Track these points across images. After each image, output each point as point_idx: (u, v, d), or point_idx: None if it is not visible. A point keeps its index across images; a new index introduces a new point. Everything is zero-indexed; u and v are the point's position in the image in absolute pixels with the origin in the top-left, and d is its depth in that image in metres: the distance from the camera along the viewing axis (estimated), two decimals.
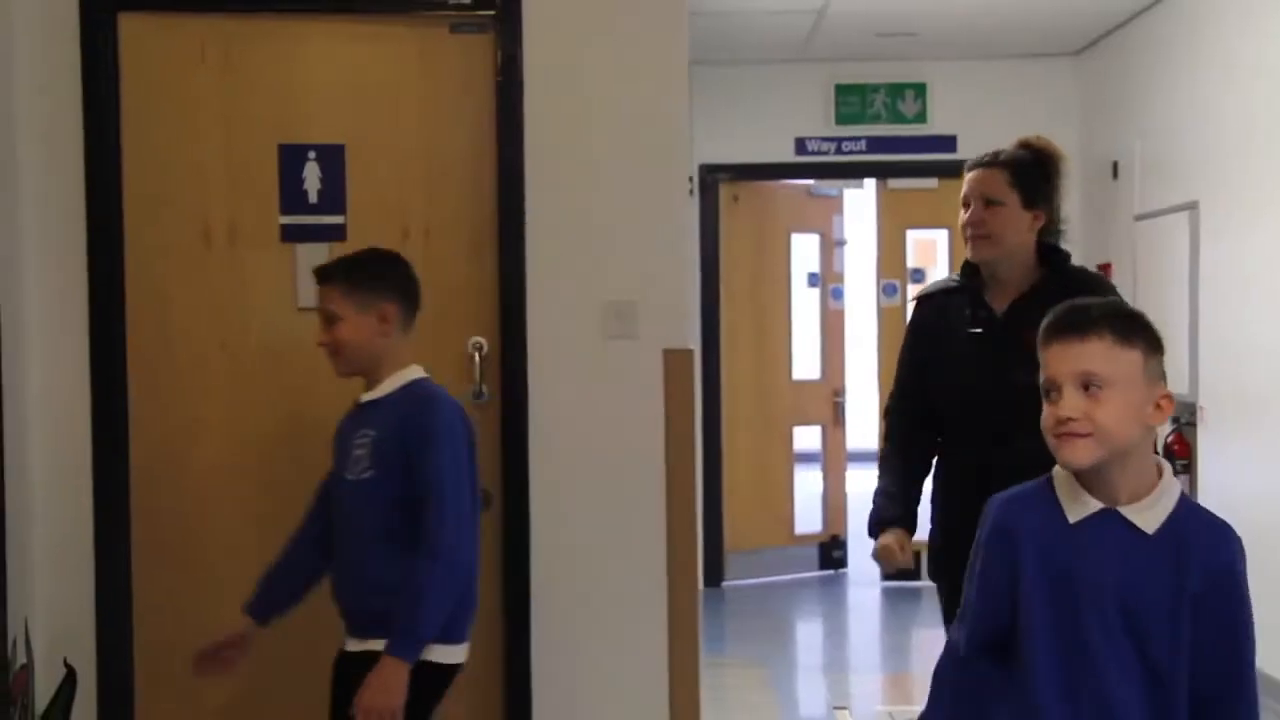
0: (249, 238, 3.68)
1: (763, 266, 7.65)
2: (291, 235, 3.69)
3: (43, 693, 3.52)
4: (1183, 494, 2.07)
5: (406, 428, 2.86)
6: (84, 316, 3.60)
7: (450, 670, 2.93)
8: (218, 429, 3.69)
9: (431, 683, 2.87)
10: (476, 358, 3.70)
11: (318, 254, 3.67)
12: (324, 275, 2.98)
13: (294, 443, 3.69)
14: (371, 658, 2.81)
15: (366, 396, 2.96)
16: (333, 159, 3.68)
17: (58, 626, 3.58)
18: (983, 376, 3.09)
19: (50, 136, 3.56)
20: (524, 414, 3.68)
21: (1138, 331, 2.03)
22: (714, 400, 7.42)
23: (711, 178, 7.28)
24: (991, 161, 3.18)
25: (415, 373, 2.97)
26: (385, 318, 2.92)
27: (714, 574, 7.32)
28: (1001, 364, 3.00)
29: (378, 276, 2.95)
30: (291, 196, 3.68)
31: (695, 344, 3.94)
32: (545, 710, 3.70)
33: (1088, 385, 1.99)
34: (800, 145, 7.37)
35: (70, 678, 3.53)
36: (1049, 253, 3.17)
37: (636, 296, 3.68)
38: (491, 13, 3.66)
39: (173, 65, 3.65)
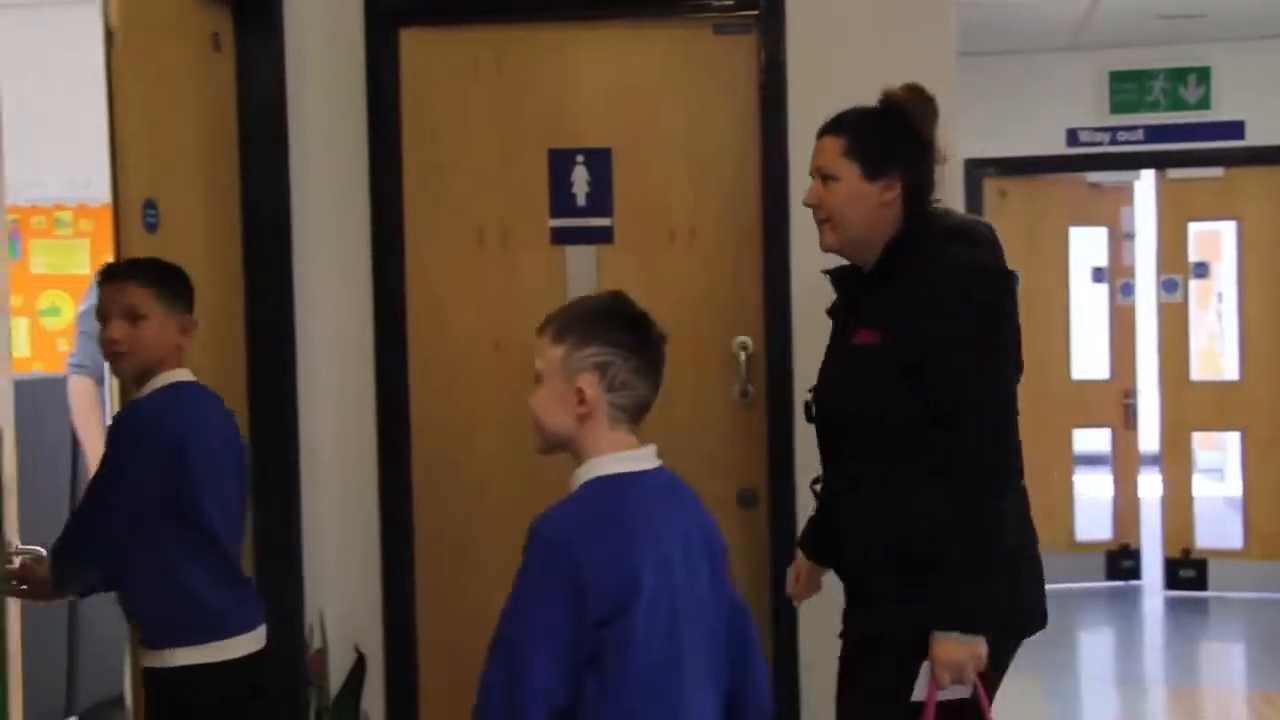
0: (520, 240, 3.79)
1: (1035, 262, 7.39)
2: (560, 238, 3.78)
3: (336, 675, 3.72)
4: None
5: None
6: (369, 320, 3.78)
7: (208, 670, 2.71)
8: (492, 426, 3.81)
9: (191, 688, 2.70)
10: (742, 357, 3.71)
11: (586, 256, 3.76)
12: (136, 271, 2.78)
13: None
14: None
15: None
16: (600, 162, 3.76)
17: (349, 615, 3.77)
18: (818, 388, 2.68)
19: (338, 145, 3.75)
20: (790, 413, 3.66)
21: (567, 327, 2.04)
22: None
23: (977, 172, 7.09)
24: (826, 128, 2.61)
25: (176, 376, 2.76)
26: (186, 329, 2.79)
27: None
28: (826, 375, 2.66)
29: (179, 282, 2.80)
30: (561, 200, 3.77)
31: None
32: (814, 706, 3.67)
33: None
34: (1072, 136, 7.10)
35: (360, 662, 3.73)
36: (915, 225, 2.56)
37: None
38: (755, 13, 3.66)
39: (449, 76, 3.79)
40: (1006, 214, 7.28)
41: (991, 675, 2.49)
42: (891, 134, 2.55)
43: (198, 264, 3.32)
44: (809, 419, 2.70)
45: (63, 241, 6.03)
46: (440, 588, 3.82)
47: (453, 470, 3.83)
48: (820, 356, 3.58)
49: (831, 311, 2.70)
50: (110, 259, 2.96)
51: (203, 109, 3.36)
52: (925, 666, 2.36)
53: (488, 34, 3.78)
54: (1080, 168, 7.39)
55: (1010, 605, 2.44)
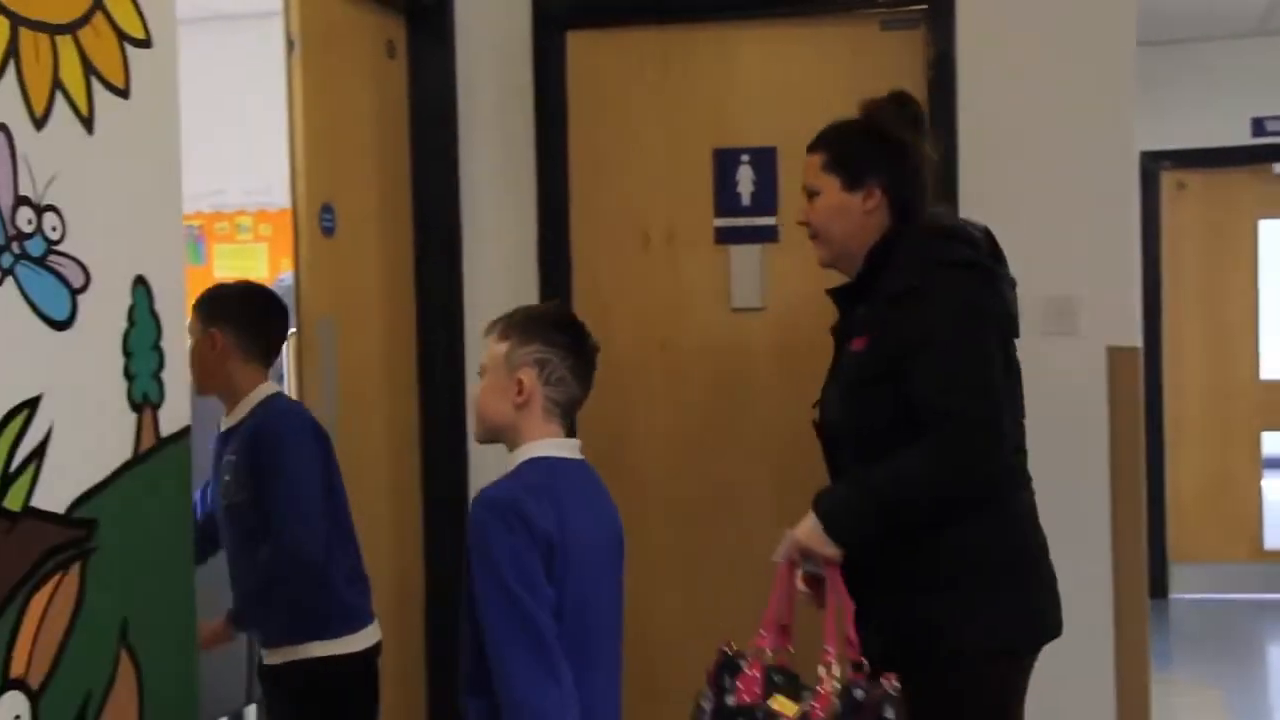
0: (685, 240, 3.80)
1: (1218, 257, 7.12)
2: (725, 237, 3.77)
3: None
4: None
5: (256, 443, 2.73)
6: None
7: (352, 660, 2.79)
8: (657, 426, 3.83)
9: (329, 678, 2.76)
10: None
11: (751, 255, 3.75)
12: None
13: (729, 439, 3.78)
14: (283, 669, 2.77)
15: (225, 424, 2.82)
16: (765, 161, 3.74)
17: None
18: (819, 401, 2.63)
19: (506, 148, 3.80)
20: None
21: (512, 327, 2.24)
22: (1156, 401, 6.98)
23: (1153, 165, 6.86)
24: (810, 145, 2.61)
25: (267, 390, 2.80)
26: (215, 343, 2.76)
27: (1157, 586, 6.88)
28: (826, 387, 2.60)
29: (212, 303, 2.82)
30: (725, 199, 3.77)
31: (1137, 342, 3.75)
32: None
33: None
34: (1258, 126, 6.81)
35: None
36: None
37: (1078, 291, 3.52)
38: (923, 7, 3.60)
39: (614, 78, 3.82)
40: (1184, 208, 7.02)
41: (1007, 690, 2.42)
42: (867, 143, 2.54)
43: (371, 266, 3.41)
44: (817, 434, 2.67)
45: (244, 246, 6.26)
46: None
47: (617, 471, 3.83)
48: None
49: (833, 330, 2.68)
50: (289, 261, 3.06)
51: (377, 114, 3.44)
52: (788, 534, 2.45)
53: (653, 35, 3.80)
54: (1268, 158, 7.07)
55: (1021, 617, 2.40)
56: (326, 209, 3.16)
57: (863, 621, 2.39)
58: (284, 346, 2.92)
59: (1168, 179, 6.99)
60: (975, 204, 3.55)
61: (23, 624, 1.79)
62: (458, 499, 3.61)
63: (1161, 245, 6.96)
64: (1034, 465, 3.52)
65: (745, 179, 3.75)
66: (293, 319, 3.04)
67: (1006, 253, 3.52)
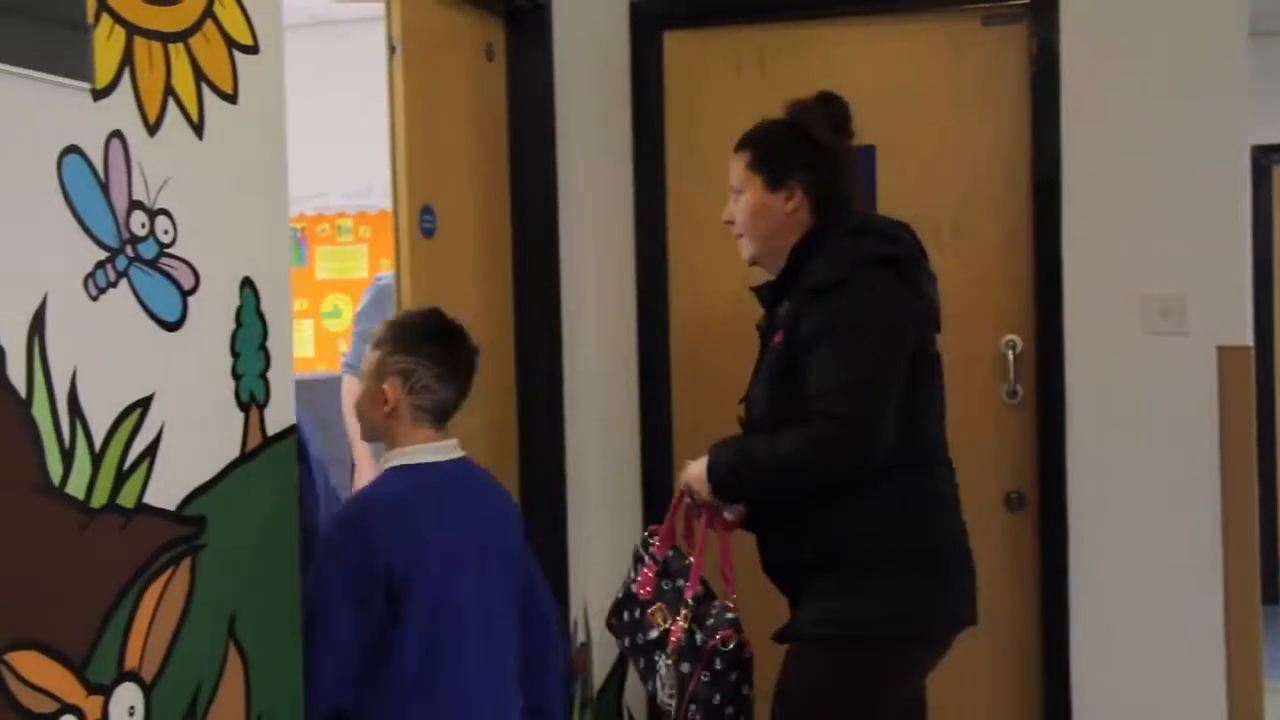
0: None
1: None
2: None
3: (600, 670, 3.79)
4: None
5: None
6: (633, 320, 3.83)
7: None
8: None
9: None
10: (1010, 356, 3.60)
11: None
12: None
13: None
14: None
15: None
16: (864, 160, 3.70)
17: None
18: (746, 399, 2.67)
19: (603, 148, 3.82)
20: (1061, 413, 3.53)
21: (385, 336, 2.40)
22: (1268, 401, 6.78)
23: (1265, 159, 6.68)
24: (737, 143, 2.66)
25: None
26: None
27: (1269, 591, 6.69)
28: (749, 385, 2.63)
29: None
30: None
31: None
32: None
33: None
34: None
35: (623, 658, 3.78)
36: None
37: (1186, 289, 3.44)
38: (1026, 1, 3.55)
39: (711, 76, 3.81)
40: None
41: (881, 675, 2.45)
42: (789, 144, 2.59)
43: (470, 267, 3.44)
44: (741, 429, 2.70)
45: (344, 248, 6.35)
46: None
47: None
48: (1098, 351, 3.48)
49: (758, 326, 2.74)
50: (388, 263, 3.09)
51: (476, 117, 3.47)
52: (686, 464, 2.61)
53: (750, 34, 3.78)
54: None
55: (915, 606, 2.41)
56: (426, 210, 3.19)
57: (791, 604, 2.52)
58: None
59: None
60: (1080, 201, 3.50)
61: (136, 618, 1.84)
62: (556, 497, 3.63)
63: (1273, 241, 6.78)
64: (1142, 466, 3.47)
65: None
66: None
67: (1108, 251, 3.48)
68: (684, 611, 2.52)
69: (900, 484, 2.41)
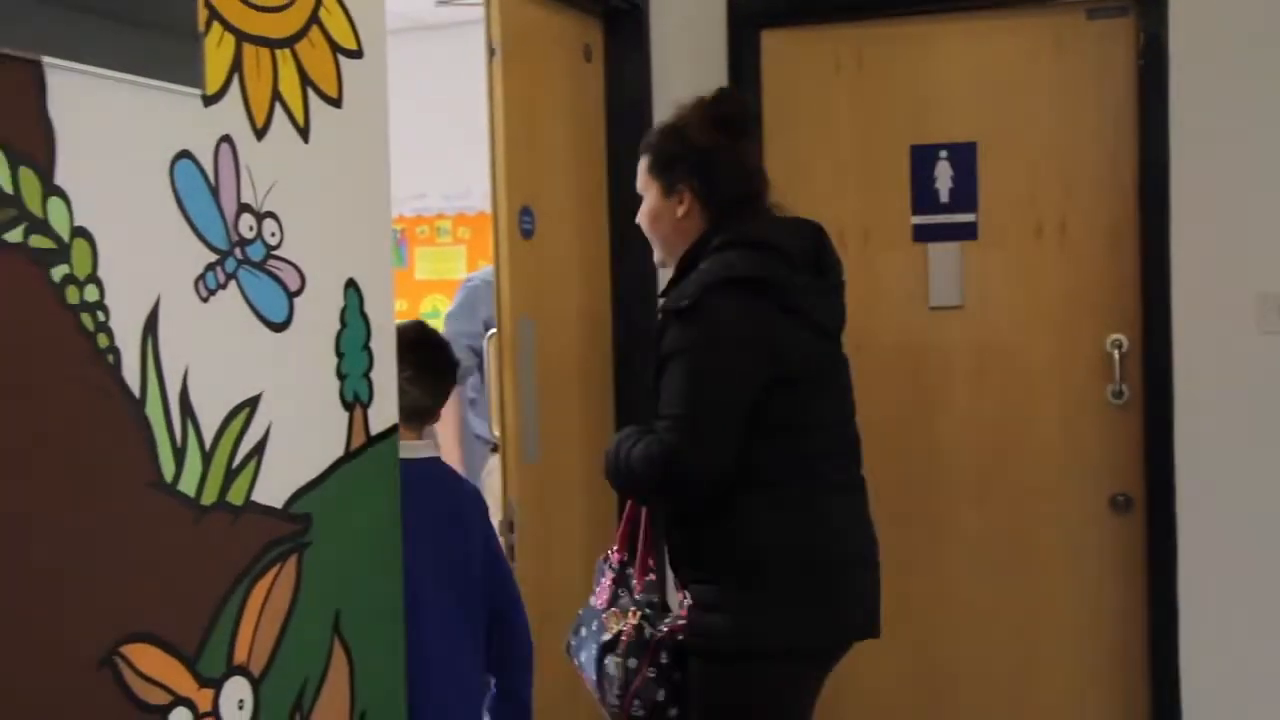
0: (881, 239, 3.75)
1: None
2: (923, 235, 3.71)
3: None
4: None
5: None
6: None
7: None
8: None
9: None
10: (1116, 356, 3.53)
11: (950, 253, 3.68)
12: None
13: (926, 440, 3.72)
14: None
15: None
16: (964, 157, 3.67)
17: None
18: None
19: None
20: (1169, 414, 3.46)
21: None
22: None
23: None
24: (641, 146, 2.59)
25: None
26: None
27: None
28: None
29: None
30: (923, 196, 3.71)
31: None
32: None
33: None
34: None
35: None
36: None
37: None
38: None
39: (809, 75, 3.79)
40: None
41: (768, 690, 2.38)
42: (675, 148, 2.51)
43: (570, 267, 3.46)
44: None
45: (443, 249, 6.42)
46: None
47: None
48: (1209, 350, 3.40)
49: None
50: (486, 264, 3.12)
51: (574, 117, 3.49)
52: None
53: (849, 32, 3.76)
54: None
55: (793, 621, 2.36)
56: (525, 211, 3.22)
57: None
58: (485, 346, 2.92)
59: None
60: (1189, 197, 3.43)
61: (245, 613, 1.87)
62: None
63: None
64: (1254, 469, 3.38)
65: (944, 175, 3.69)
66: (495, 319, 3.12)
67: (1218, 248, 3.40)
68: (633, 610, 2.49)
69: (778, 499, 2.36)
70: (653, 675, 2.43)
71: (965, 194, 3.67)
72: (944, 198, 3.69)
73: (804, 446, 2.40)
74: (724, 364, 2.33)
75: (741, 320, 2.34)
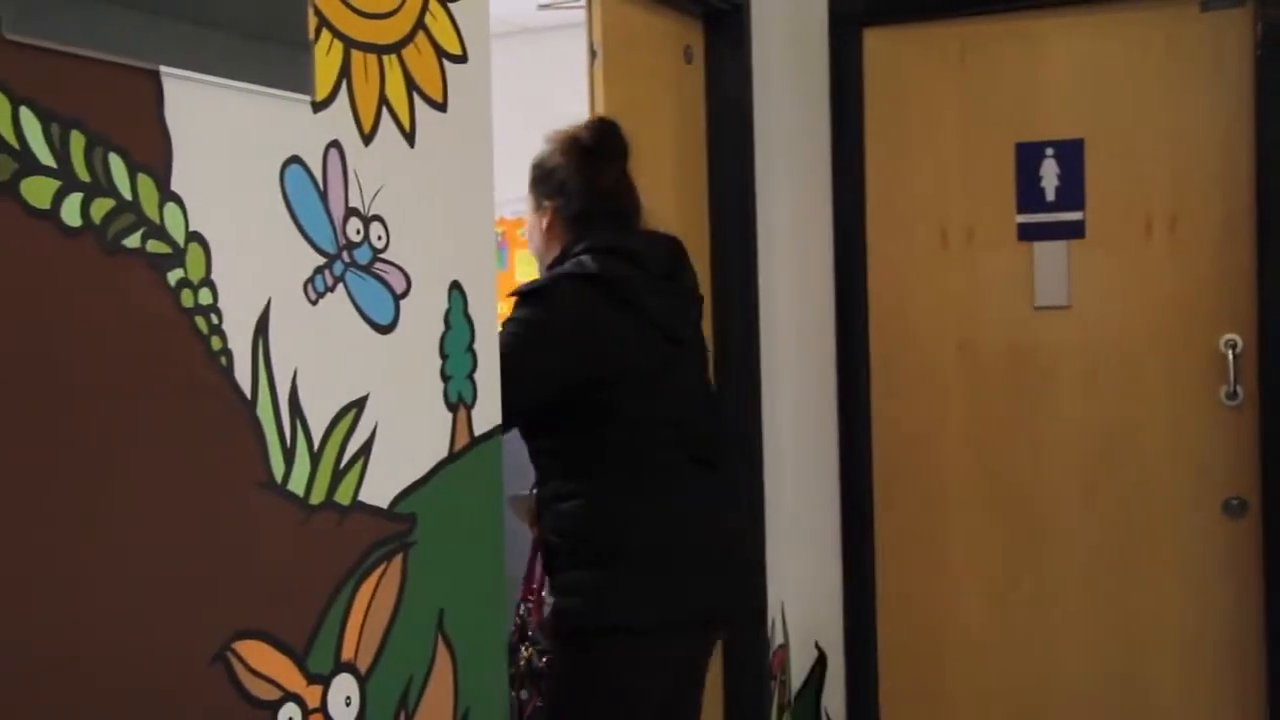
0: (985, 238, 3.70)
1: None
2: (1028, 234, 3.65)
3: (797, 672, 3.77)
4: None
5: None
6: (831, 319, 3.80)
7: None
8: (955, 427, 3.74)
9: None
10: (1229, 356, 3.44)
11: (1056, 252, 3.62)
12: None
13: (1031, 442, 3.66)
14: None
15: None
16: (1071, 154, 3.60)
17: (810, 612, 3.81)
18: None
19: (801, 148, 3.80)
20: None
21: None
22: None
23: None
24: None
25: None
26: None
27: None
28: None
29: None
30: (1028, 194, 3.65)
31: None
32: None
33: None
34: None
35: (821, 660, 3.76)
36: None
37: None
38: None
39: (912, 73, 3.75)
40: None
41: (619, 668, 2.49)
42: (539, 170, 2.75)
43: None
44: None
45: None
46: (901, 588, 3.79)
47: (914, 472, 3.79)
48: None
49: None
50: None
51: (674, 119, 3.49)
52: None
53: (953, 29, 3.71)
54: None
55: (635, 598, 2.47)
56: None
57: None
58: None
59: None
60: None
61: (352, 611, 1.90)
62: (754, 497, 3.63)
63: None
64: None
65: (1050, 173, 3.62)
66: None
67: None
68: (525, 645, 2.66)
69: (609, 486, 2.51)
70: (541, 705, 2.60)
71: (1072, 191, 3.60)
72: (1050, 195, 3.62)
73: (640, 439, 2.53)
74: (545, 342, 2.50)
75: (577, 308, 2.52)
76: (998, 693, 3.69)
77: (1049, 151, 3.62)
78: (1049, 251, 3.62)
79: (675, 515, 2.55)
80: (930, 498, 3.78)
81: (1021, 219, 3.66)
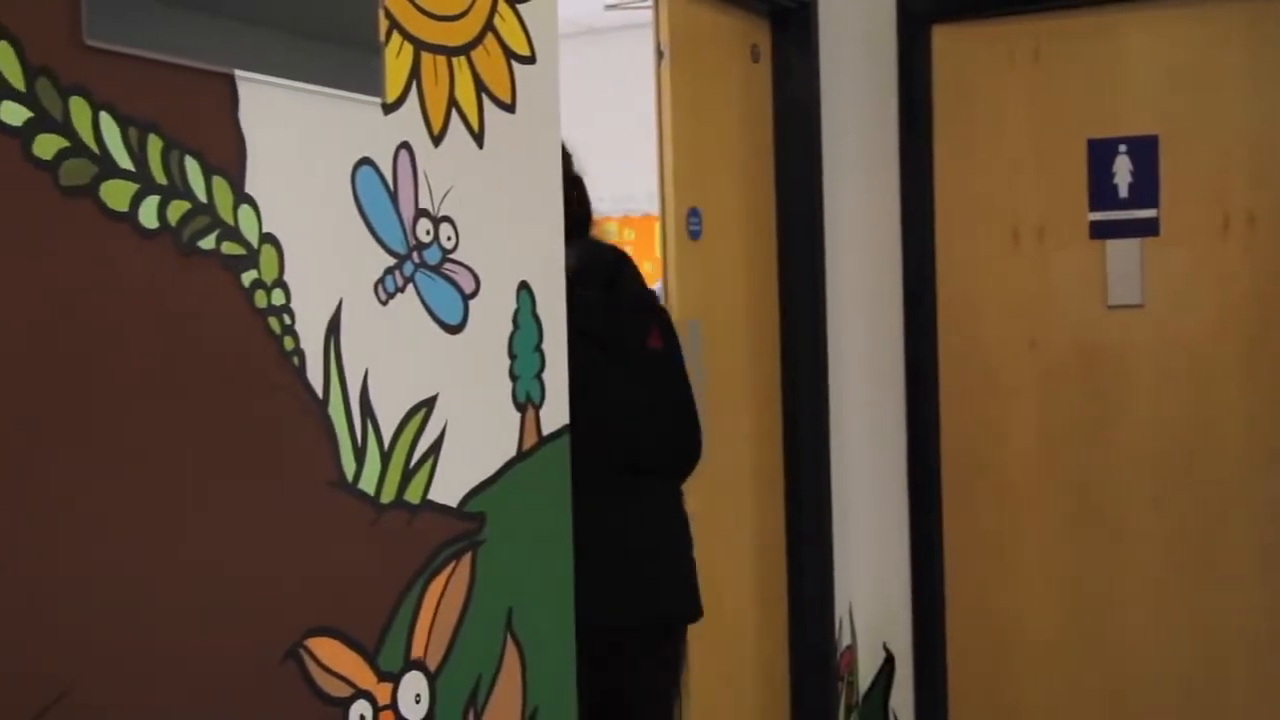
0: (1056, 236, 3.65)
1: None
2: (1100, 232, 3.60)
3: (865, 673, 3.74)
4: None
5: None
6: (900, 318, 3.77)
7: None
8: (1026, 427, 3.70)
9: None
10: None
11: (1129, 250, 3.56)
12: None
13: (1104, 443, 3.61)
14: None
15: None
16: (1145, 151, 3.55)
17: (878, 613, 3.79)
18: None
19: (869, 146, 3.77)
20: None
21: None
22: None
23: None
24: None
25: None
26: None
27: None
28: None
29: None
30: (1101, 192, 3.60)
31: None
32: None
33: None
34: None
35: (889, 662, 3.73)
36: None
37: None
38: None
39: (981, 69, 3.72)
40: None
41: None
42: None
43: (736, 269, 3.45)
44: None
45: None
46: (970, 589, 3.75)
47: (983, 470, 3.75)
48: None
49: None
50: (652, 266, 3.14)
51: (742, 118, 3.48)
52: None
53: (1024, 25, 3.67)
54: None
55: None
56: (693, 213, 3.22)
57: None
58: None
59: None
60: None
61: (422, 609, 1.92)
62: (821, 499, 3.61)
63: None
64: None
65: (1123, 170, 3.57)
66: None
67: None
68: None
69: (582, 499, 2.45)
70: None
71: (1146, 188, 3.55)
72: (1123, 193, 3.57)
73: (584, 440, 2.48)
74: None
75: None
76: (1068, 696, 3.64)
77: (1122, 148, 3.56)
78: (1122, 249, 3.57)
79: (584, 524, 2.43)
80: (1000, 499, 3.75)
81: (1094, 216, 3.61)
